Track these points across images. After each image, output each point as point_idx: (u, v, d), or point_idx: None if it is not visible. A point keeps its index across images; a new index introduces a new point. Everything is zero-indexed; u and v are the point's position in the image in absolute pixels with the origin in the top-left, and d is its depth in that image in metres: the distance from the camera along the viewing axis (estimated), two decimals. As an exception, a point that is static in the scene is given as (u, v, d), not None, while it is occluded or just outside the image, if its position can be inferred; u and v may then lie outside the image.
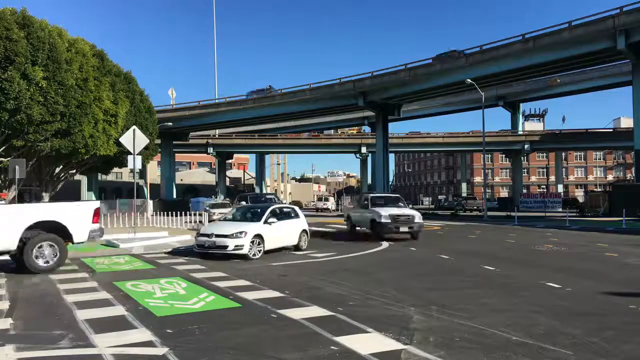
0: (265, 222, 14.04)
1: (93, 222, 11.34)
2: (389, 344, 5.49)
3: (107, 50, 23.50)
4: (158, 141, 35.80)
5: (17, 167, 16.91)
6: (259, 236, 13.42)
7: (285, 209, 16.10)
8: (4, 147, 18.82)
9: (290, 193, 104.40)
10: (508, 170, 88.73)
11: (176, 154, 65.36)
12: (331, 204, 61.93)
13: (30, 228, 10.42)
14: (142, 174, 63.77)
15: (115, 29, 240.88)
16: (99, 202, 12.25)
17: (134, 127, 18.91)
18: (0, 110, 16.91)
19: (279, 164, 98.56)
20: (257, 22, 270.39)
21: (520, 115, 70.72)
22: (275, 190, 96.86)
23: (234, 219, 15.11)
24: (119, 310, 7.20)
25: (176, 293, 8.48)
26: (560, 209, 43.79)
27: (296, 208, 16.79)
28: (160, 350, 5.30)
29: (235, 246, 12.86)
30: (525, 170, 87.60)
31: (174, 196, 59.51)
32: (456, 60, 40.50)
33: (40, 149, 19.51)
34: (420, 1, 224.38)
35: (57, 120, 18.63)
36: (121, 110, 22.81)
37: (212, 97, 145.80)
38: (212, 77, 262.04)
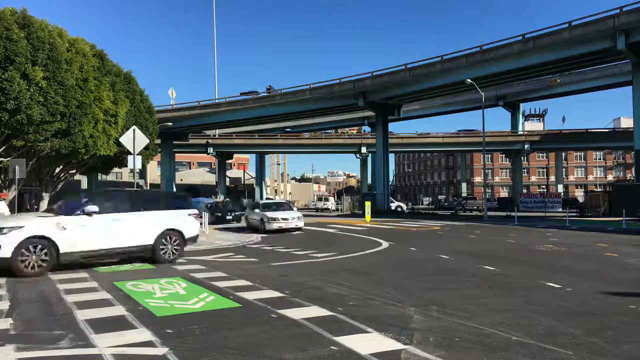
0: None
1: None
2: (389, 344, 5.49)
3: (107, 50, 23.50)
4: (158, 141, 35.78)
5: (17, 167, 16.93)
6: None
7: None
8: (4, 147, 18.81)
9: (290, 193, 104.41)
10: (508, 170, 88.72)
11: (176, 154, 65.36)
12: (331, 204, 61.94)
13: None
14: (142, 174, 63.81)
15: (115, 29, 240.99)
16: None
17: (134, 127, 18.93)
18: (0, 110, 16.91)
19: (279, 164, 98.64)
20: (257, 22, 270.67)
21: (520, 115, 70.71)
22: (275, 190, 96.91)
23: None
24: (119, 310, 7.20)
25: (176, 293, 8.48)
26: (560, 209, 43.75)
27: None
28: (160, 350, 5.30)
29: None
30: (525, 170, 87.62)
31: (174, 196, 59.35)
32: (455, 60, 40.54)
33: (40, 149, 19.50)
34: (420, 1, 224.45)
35: (57, 120, 18.62)
36: (121, 110, 22.80)
37: (212, 97, 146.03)
38: (212, 77, 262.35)
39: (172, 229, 12.44)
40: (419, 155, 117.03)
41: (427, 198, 76.68)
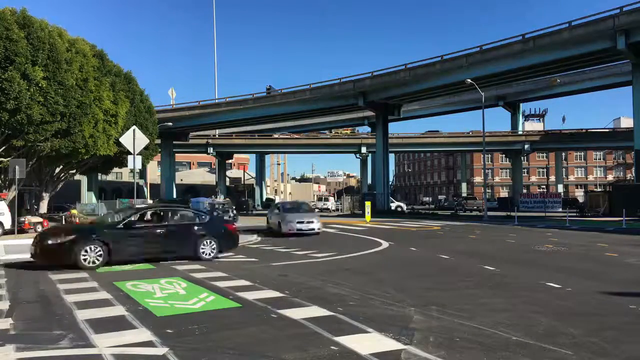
0: None
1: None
2: (389, 344, 5.48)
3: (107, 50, 23.58)
4: (158, 141, 35.81)
5: (17, 167, 16.93)
6: None
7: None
8: (4, 147, 18.81)
9: (290, 193, 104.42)
10: (508, 170, 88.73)
11: (176, 154, 65.39)
12: (331, 204, 61.93)
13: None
14: (142, 174, 63.75)
15: (115, 29, 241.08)
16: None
17: (134, 127, 18.91)
18: (0, 110, 16.90)
19: (279, 164, 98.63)
20: (257, 22, 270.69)
21: (520, 115, 70.77)
22: (275, 190, 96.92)
23: None
24: (119, 310, 7.20)
25: (176, 293, 8.48)
26: (560, 209, 43.76)
27: None
28: (160, 350, 5.30)
29: None
30: (525, 170, 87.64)
31: (174, 196, 59.49)
32: (455, 60, 40.55)
33: (40, 149, 19.51)
34: (421, 1, 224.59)
35: (57, 121, 18.63)
36: (121, 110, 22.81)
37: (212, 97, 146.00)
38: (212, 77, 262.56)
39: None
40: (419, 155, 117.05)
41: (427, 198, 76.67)
